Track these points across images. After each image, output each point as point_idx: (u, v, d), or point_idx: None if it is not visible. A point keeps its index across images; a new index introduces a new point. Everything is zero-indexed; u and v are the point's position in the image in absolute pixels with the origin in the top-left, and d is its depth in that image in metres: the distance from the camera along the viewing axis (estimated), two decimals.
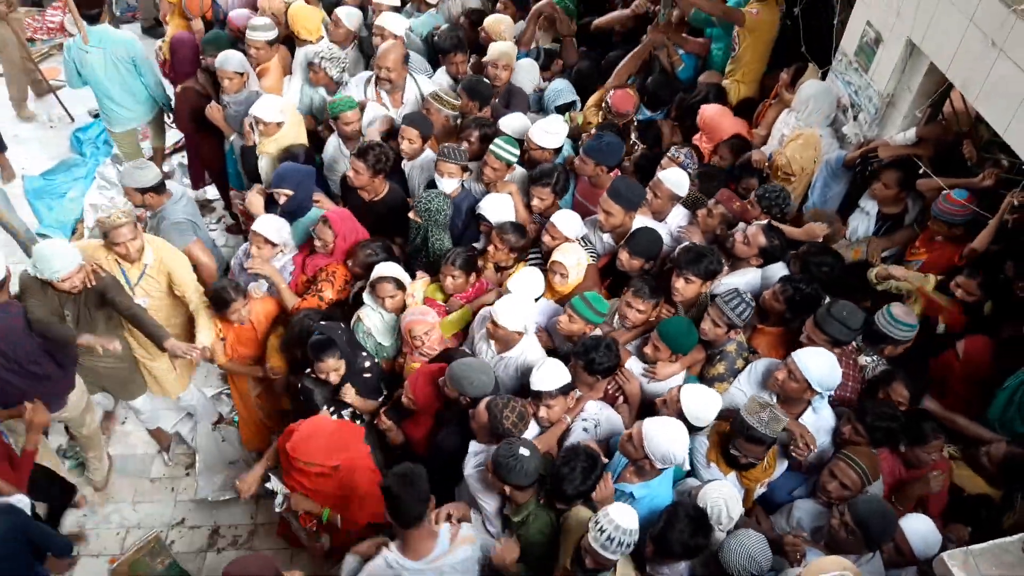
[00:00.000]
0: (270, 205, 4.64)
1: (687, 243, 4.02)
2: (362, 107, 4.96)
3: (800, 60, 4.81)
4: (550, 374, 3.39)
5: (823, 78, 4.66)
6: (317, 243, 4.31)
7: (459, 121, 4.99)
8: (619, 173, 4.59)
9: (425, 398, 3.65)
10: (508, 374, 3.77)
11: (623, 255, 4.00)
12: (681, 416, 3.25)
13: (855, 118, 4.42)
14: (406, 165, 4.76)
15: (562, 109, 5.21)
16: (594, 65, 5.54)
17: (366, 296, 4.14)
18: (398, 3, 5.69)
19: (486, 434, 3.34)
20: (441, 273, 4.13)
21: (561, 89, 5.26)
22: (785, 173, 4.31)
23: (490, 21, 5.49)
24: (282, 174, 4.49)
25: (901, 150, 4.09)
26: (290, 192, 4.44)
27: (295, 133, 4.93)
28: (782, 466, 3.46)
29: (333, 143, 4.94)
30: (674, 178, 4.25)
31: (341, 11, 5.45)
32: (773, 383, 3.42)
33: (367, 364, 3.97)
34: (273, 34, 5.20)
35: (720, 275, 3.92)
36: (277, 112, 4.76)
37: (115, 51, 5.55)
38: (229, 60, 4.98)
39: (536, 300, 3.96)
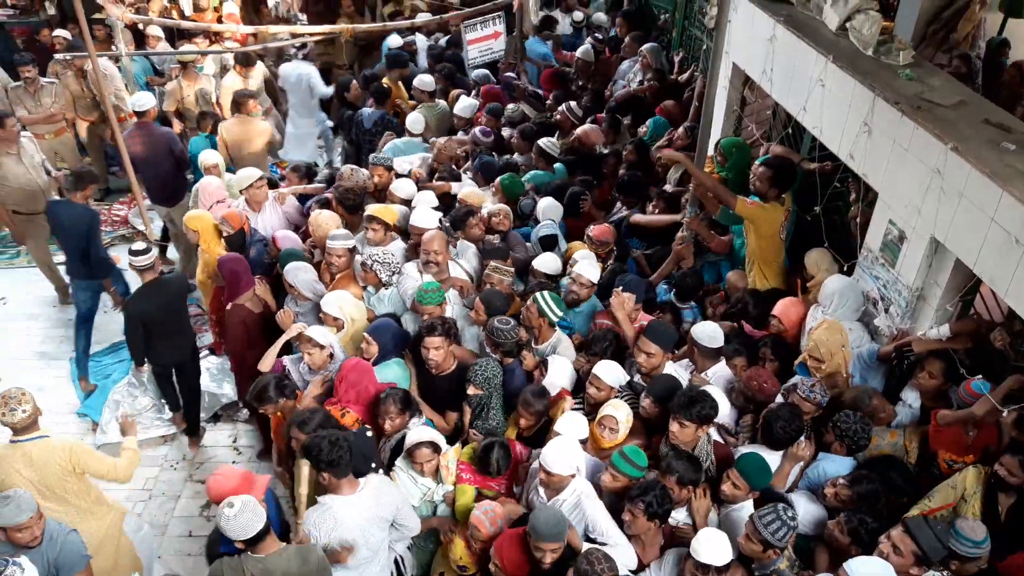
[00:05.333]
0: None
1: (686, 386, 4.10)
2: None
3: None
4: (719, 548, 3.32)
5: (850, 272, 4.79)
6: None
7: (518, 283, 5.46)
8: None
9: (516, 565, 3.55)
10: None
11: (646, 402, 4.18)
12: None
13: (886, 311, 4.48)
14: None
15: (547, 241, 5.78)
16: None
17: (399, 461, 4.19)
18: (436, 203, 6.12)
19: None
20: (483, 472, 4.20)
21: (540, 226, 5.94)
22: (814, 358, 4.31)
23: (465, 194, 6.25)
24: (378, 326, 4.88)
25: (935, 344, 4.06)
26: (374, 343, 4.70)
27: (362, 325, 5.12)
28: None
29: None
30: (703, 332, 4.46)
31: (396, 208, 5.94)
32: None
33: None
34: (352, 242, 5.53)
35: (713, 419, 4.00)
36: (336, 308, 4.97)
37: None
38: (296, 274, 5.32)
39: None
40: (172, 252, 8.24)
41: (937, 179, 3.86)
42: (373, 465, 4.06)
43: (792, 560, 3.54)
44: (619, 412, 4.08)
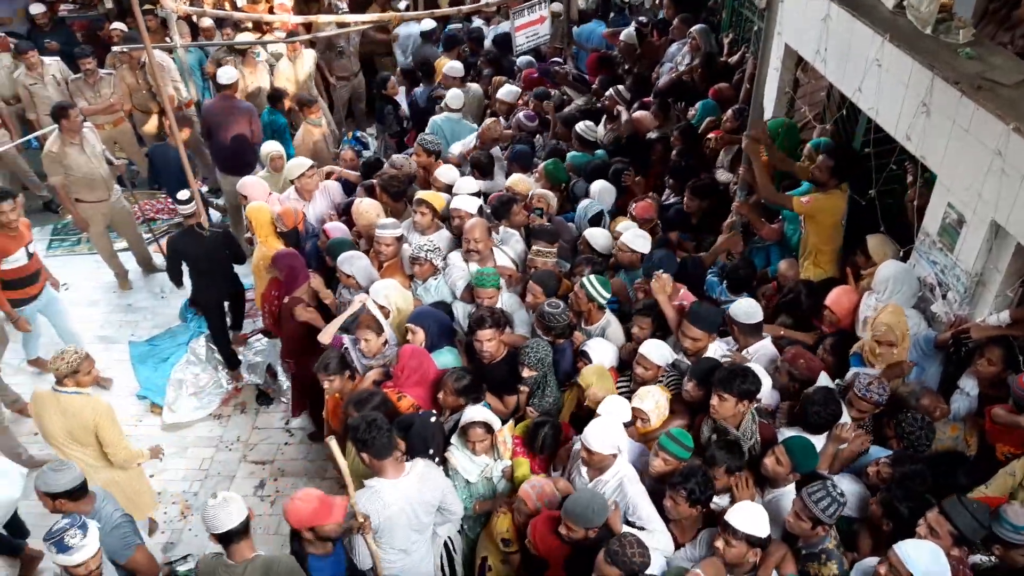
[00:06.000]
0: None
1: (727, 362, 4.10)
2: None
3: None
4: (753, 518, 3.35)
5: (906, 257, 4.68)
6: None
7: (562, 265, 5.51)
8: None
9: (548, 545, 3.62)
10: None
11: (689, 386, 4.15)
12: None
13: (944, 297, 4.37)
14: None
15: (594, 219, 5.84)
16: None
17: (454, 438, 4.25)
18: (476, 188, 6.13)
19: None
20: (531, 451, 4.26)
21: (588, 204, 6.01)
22: (886, 343, 4.21)
23: (513, 181, 6.29)
24: (420, 314, 4.93)
25: (994, 331, 3.95)
26: (418, 329, 4.75)
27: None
28: None
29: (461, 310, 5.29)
30: (740, 310, 4.48)
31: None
32: None
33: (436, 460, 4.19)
34: (400, 231, 5.57)
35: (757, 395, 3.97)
36: (382, 296, 5.02)
37: None
38: (352, 261, 5.36)
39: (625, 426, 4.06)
40: None
41: (998, 160, 3.74)
42: (431, 452, 4.13)
43: (838, 542, 3.51)
44: (645, 403, 4.11)
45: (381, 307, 5.00)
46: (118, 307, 7.84)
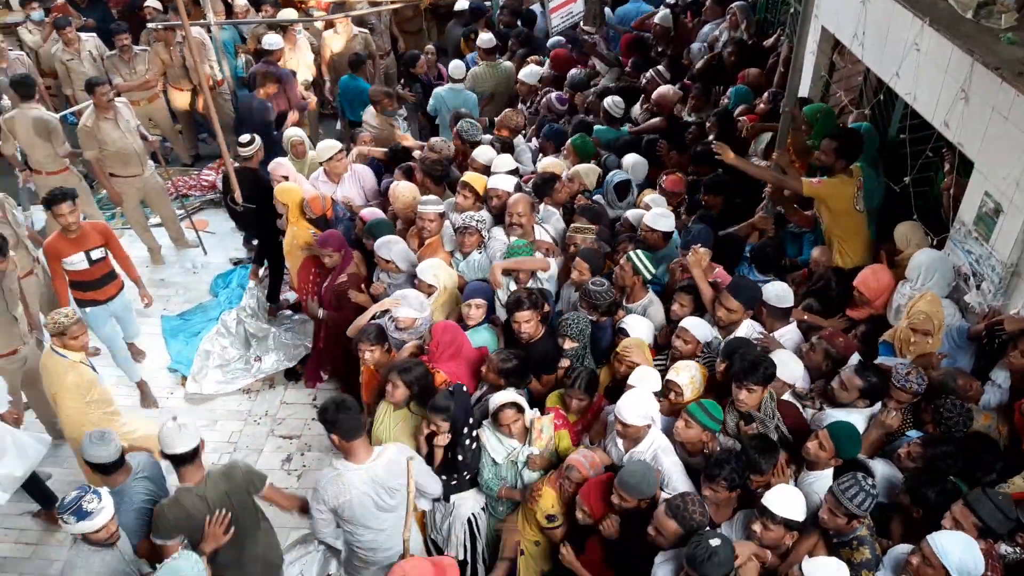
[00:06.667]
0: None
1: (742, 353, 4.07)
2: None
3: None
4: (790, 502, 3.37)
5: (941, 246, 4.60)
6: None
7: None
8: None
9: (601, 510, 3.72)
10: None
11: (723, 367, 4.13)
12: None
13: (978, 287, 4.30)
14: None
15: (620, 187, 5.91)
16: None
17: (486, 422, 4.28)
18: (513, 166, 6.13)
19: (677, 539, 3.34)
20: (566, 395, 4.31)
21: (613, 174, 6.04)
22: (923, 331, 4.15)
23: (545, 164, 6.23)
24: (474, 289, 5.04)
25: None
26: (483, 303, 4.90)
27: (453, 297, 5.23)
28: None
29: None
30: (771, 292, 4.47)
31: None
32: (907, 569, 3.18)
33: (472, 437, 4.21)
34: (443, 207, 5.56)
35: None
36: (430, 275, 5.04)
37: None
38: (390, 246, 5.35)
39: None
40: None
41: None
42: (471, 421, 4.18)
43: (870, 527, 3.49)
44: (680, 376, 4.12)
45: (429, 286, 5.04)
46: (151, 282, 7.92)
